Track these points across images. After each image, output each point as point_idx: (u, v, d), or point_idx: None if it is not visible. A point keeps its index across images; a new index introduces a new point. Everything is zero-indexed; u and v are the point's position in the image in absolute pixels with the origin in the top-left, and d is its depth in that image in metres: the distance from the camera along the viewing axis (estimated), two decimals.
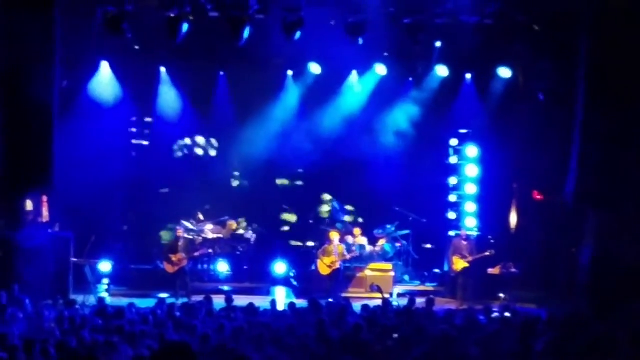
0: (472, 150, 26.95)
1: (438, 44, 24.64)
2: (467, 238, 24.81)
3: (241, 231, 26.60)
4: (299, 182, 28.04)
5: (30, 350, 12.47)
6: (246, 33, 21.45)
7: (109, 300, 21.15)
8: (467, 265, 24.06)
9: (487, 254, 24.05)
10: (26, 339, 13.03)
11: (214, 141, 27.65)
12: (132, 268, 25.24)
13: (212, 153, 27.68)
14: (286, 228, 27.80)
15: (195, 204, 26.88)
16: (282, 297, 23.85)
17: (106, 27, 21.90)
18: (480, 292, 23.44)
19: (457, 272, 24.24)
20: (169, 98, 27.05)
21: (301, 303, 18.91)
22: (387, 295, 20.53)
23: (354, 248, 25.09)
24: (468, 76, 26.92)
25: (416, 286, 25.87)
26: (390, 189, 26.62)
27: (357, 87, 27.29)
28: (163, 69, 26.74)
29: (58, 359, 12.58)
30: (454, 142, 27.14)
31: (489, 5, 21.29)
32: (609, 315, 16.33)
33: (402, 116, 27.24)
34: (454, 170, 27.28)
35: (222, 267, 26.05)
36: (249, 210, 27.23)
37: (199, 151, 27.53)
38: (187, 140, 27.46)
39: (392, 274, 25.07)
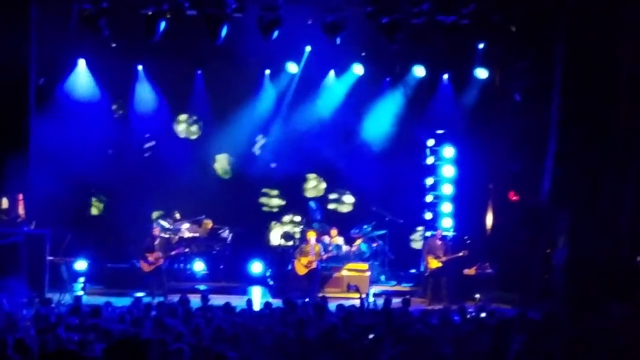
0: (448, 151, 27.03)
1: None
2: (443, 238, 24.88)
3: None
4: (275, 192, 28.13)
5: (4, 348, 12.41)
6: (224, 32, 21.43)
7: (85, 298, 21.05)
8: (440, 265, 24.13)
9: (460, 254, 24.13)
10: (1, 337, 12.96)
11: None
12: (108, 266, 25.13)
13: (193, 136, 27.69)
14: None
15: (171, 203, 26.86)
16: (258, 297, 23.85)
17: (83, 25, 21.83)
18: (455, 292, 23.50)
19: (430, 272, 24.30)
20: (145, 96, 26.99)
21: (277, 303, 18.91)
22: (364, 295, 20.54)
23: (330, 248, 25.11)
24: (445, 76, 27.00)
25: (392, 286, 25.90)
26: (367, 189, 26.68)
27: (335, 87, 27.34)
28: (140, 67, 26.68)
29: (33, 357, 12.54)
30: (430, 142, 27.20)
31: (465, 5, 21.33)
32: (583, 316, 16.42)
33: (379, 116, 27.30)
34: (431, 170, 27.34)
35: (199, 266, 26.00)
36: (226, 209, 27.19)
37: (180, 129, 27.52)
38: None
39: (369, 274, 25.08)
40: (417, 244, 27.44)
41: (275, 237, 27.65)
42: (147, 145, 27.26)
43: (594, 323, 15.18)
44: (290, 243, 26.23)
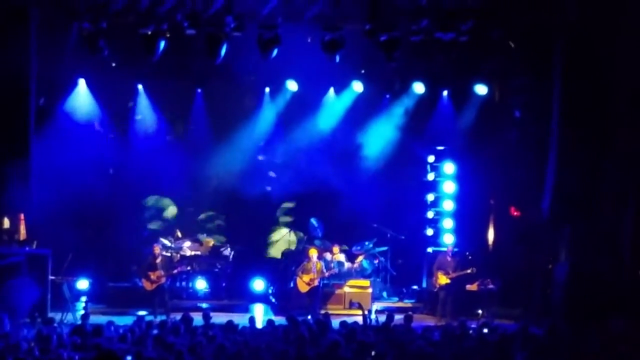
0: (449, 167, 27.07)
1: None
2: (453, 255, 24.82)
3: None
4: (290, 204, 28.08)
5: None
6: (223, 50, 21.48)
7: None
8: (448, 281, 24.11)
9: (468, 271, 24.07)
10: (2, 358, 12.98)
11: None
12: (110, 285, 25.15)
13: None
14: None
15: (174, 221, 26.90)
16: (260, 314, 23.84)
17: (82, 45, 21.87)
18: (458, 308, 23.47)
19: (439, 288, 24.25)
20: (146, 115, 27.04)
21: (280, 320, 18.89)
22: (366, 312, 20.51)
23: (332, 265, 25.08)
24: (444, 93, 27.04)
25: (394, 302, 25.89)
26: (368, 206, 26.65)
27: (335, 104, 27.39)
28: (140, 86, 26.72)
29: None
30: (431, 158, 27.24)
31: (464, 22, 21.38)
32: (585, 331, 16.42)
33: (379, 132, 27.33)
34: (432, 187, 27.37)
35: (201, 284, 25.99)
36: (227, 227, 27.22)
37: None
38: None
39: (370, 290, 25.07)
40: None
41: (276, 247, 27.61)
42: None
43: (595, 338, 15.18)
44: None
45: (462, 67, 24.65)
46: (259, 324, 19.19)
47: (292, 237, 27.76)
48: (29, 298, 21.48)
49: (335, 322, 18.00)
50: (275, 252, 27.60)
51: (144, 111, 27.01)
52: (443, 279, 24.16)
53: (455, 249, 25.41)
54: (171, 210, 27.68)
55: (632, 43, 20.85)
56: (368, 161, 27.43)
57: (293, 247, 27.32)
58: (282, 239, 28.03)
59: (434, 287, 24.50)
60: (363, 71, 26.26)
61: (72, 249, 23.20)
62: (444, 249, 25.46)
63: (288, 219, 28.28)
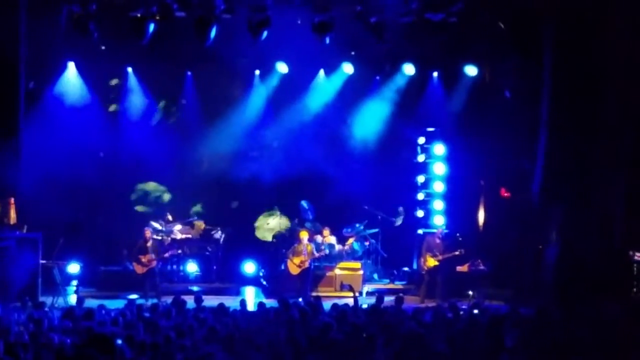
0: (439, 149, 27.10)
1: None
2: (442, 237, 24.86)
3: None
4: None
5: None
6: (213, 33, 21.43)
7: (73, 301, 20.98)
8: (437, 263, 24.16)
9: (457, 253, 24.14)
10: None
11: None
12: (101, 269, 25.14)
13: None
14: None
15: (164, 205, 26.89)
16: (251, 297, 23.87)
17: (72, 28, 21.80)
18: (448, 289, 23.54)
19: (427, 270, 24.32)
20: (135, 98, 26.99)
21: (271, 303, 18.93)
22: (357, 294, 20.55)
23: (323, 247, 25.10)
24: (434, 74, 27.04)
25: (385, 284, 25.95)
26: (359, 188, 26.66)
27: (325, 86, 27.36)
28: (130, 69, 26.67)
29: None
30: (421, 140, 27.26)
31: (453, 3, 21.36)
32: (575, 312, 16.47)
33: (370, 115, 27.32)
34: (422, 168, 27.40)
35: (192, 267, 26.01)
36: (218, 210, 27.21)
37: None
38: None
39: (361, 272, 25.12)
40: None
41: (264, 230, 27.60)
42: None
43: (586, 319, 15.23)
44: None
45: (452, 48, 24.64)
46: (250, 307, 19.22)
47: (285, 220, 27.68)
48: (19, 281, 21.50)
49: (327, 305, 18.02)
50: (268, 235, 27.51)
51: (134, 93, 26.94)
52: (431, 262, 24.23)
53: (445, 231, 25.46)
54: (165, 197, 27.61)
55: (621, 24, 20.86)
56: (358, 143, 27.41)
57: (284, 230, 27.28)
58: (275, 223, 27.91)
59: (422, 269, 24.56)
60: (353, 53, 26.23)
61: (62, 232, 23.21)
62: (434, 230, 25.53)
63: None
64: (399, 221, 26.78)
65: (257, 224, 27.65)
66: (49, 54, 23.91)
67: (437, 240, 24.60)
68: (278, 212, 27.70)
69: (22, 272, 21.81)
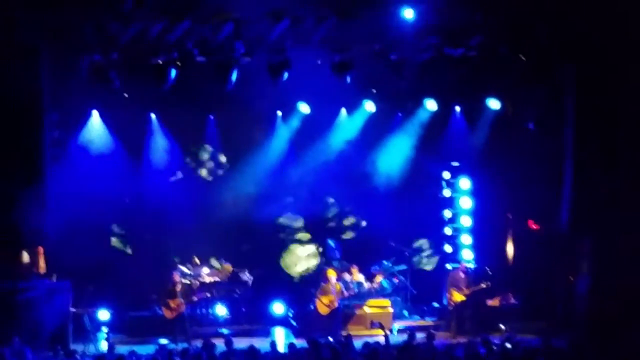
0: (464, 183, 27.08)
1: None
2: (466, 271, 24.80)
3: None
4: (299, 224, 27.91)
5: None
6: (234, 76, 21.54)
7: (104, 348, 20.99)
8: (464, 298, 24.06)
9: (483, 285, 24.06)
10: None
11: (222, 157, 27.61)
12: (130, 315, 25.16)
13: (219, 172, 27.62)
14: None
15: (190, 247, 26.90)
16: (281, 338, 23.80)
17: (93, 77, 21.96)
18: (479, 324, 23.41)
19: (455, 305, 24.22)
20: (159, 144, 27.10)
21: (301, 343, 18.87)
22: (388, 332, 20.47)
23: (351, 285, 25.06)
24: (457, 109, 27.04)
25: (416, 321, 25.80)
26: (385, 224, 26.62)
27: (347, 124, 27.40)
28: (153, 116, 26.81)
29: None
30: (446, 175, 27.24)
31: (472, 37, 21.40)
32: (607, 344, 16.34)
33: (394, 151, 27.32)
34: (448, 203, 27.38)
35: (221, 310, 25.97)
36: (244, 252, 27.19)
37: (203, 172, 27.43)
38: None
39: (391, 309, 25.04)
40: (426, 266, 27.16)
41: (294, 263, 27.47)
42: (173, 178, 27.14)
43: (618, 351, 15.11)
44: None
45: (474, 82, 24.62)
46: (281, 348, 19.17)
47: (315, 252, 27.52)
48: (50, 329, 21.59)
49: (358, 343, 17.97)
50: (294, 267, 27.36)
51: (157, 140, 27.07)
52: (458, 296, 24.16)
53: (472, 266, 25.36)
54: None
55: None
56: (383, 179, 27.39)
57: (314, 265, 27.08)
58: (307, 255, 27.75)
59: (450, 305, 24.47)
60: (374, 90, 26.27)
61: (91, 279, 23.27)
62: (457, 265, 25.48)
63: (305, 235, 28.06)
64: (428, 265, 26.77)
65: (283, 260, 27.56)
66: (72, 102, 24.04)
67: (462, 275, 24.54)
68: (307, 239, 27.52)
69: (52, 320, 21.90)
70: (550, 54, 22.02)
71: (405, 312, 26.36)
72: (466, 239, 27.06)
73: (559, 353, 15.50)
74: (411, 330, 20.78)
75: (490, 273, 24.83)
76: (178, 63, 21.45)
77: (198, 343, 19.78)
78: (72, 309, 22.53)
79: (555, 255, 23.83)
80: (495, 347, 17.24)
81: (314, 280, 25.78)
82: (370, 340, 18.75)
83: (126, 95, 24.46)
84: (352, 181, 27.03)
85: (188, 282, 25.23)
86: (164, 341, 22.07)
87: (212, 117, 27.26)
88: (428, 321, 25.76)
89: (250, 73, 22.10)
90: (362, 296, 25.38)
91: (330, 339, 20.58)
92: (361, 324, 24.84)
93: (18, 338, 19.21)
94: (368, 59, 21.83)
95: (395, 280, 26.33)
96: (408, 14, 21.11)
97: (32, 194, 21.43)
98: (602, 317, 20.47)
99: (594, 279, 21.42)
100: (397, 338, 21.48)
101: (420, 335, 19.38)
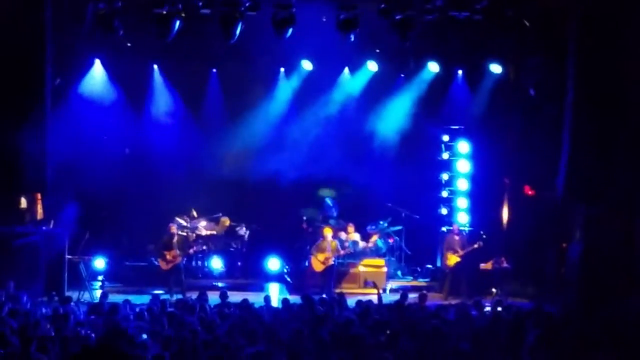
0: (463, 146, 27.11)
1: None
2: (459, 233, 24.96)
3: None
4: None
5: (27, 347, 12.55)
6: (238, 30, 21.49)
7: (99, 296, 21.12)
8: (459, 259, 24.21)
9: (475, 246, 24.23)
10: (23, 336, 13.11)
11: None
12: (126, 265, 25.29)
13: None
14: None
15: (188, 201, 26.94)
16: (275, 293, 23.96)
17: (97, 25, 21.89)
18: (472, 287, 23.55)
19: (450, 268, 24.37)
20: (161, 95, 27.10)
21: (295, 299, 19.01)
22: (381, 291, 20.61)
23: (347, 244, 25.19)
24: (459, 72, 27.03)
25: (409, 281, 25.99)
26: (383, 185, 26.70)
27: (350, 83, 27.38)
28: (156, 67, 26.80)
29: (55, 355, 12.68)
30: (445, 138, 27.28)
31: (478, 1, 21.34)
32: (599, 309, 16.47)
33: (394, 112, 27.32)
34: (446, 166, 27.43)
35: (216, 263, 26.11)
36: (242, 207, 27.25)
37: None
38: None
39: (385, 269, 25.21)
40: None
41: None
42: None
43: (609, 317, 15.22)
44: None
45: (477, 46, 24.60)
46: (275, 303, 19.31)
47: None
48: (44, 275, 21.71)
49: (351, 301, 18.10)
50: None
51: (159, 90, 27.08)
52: (453, 259, 24.32)
53: (470, 228, 25.46)
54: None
55: None
56: (382, 140, 27.41)
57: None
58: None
59: (445, 267, 24.63)
60: (378, 50, 26.24)
61: (88, 228, 23.36)
62: (450, 228, 25.61)
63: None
64: None
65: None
66: (75, 50, 24.01)
67: (456, 237, 24.69)
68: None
69: (48, 266, 22.01)
70: (554, 20, 21.98)
71: (399, 273, 26.54)
72: (462, 202, 27.15)
73: (549, 318, 15.59)
74: (404, 290, 20.95)
75: (484, 236, 24.92)
76: (182, 14, 21.35)
77: (193, 295, 19.90)
78: (68, 256, 22.63)
79: (549, 221, 23.89)
80: (486, 310, 17.38)
81: (310, 236, 25.86)
82: (363, 298, 18.86)
83: (129, 44, 24.42)
84: (352, 140, 27.04)
85: (185, 234, 25.35)
86: (158, 292, 22.20)
87: (214, 71, 27.25)
88: (421, 282, 25.95)
89: (254, 28, 22.04)
90: (357, 255, 25.53)
91: (324, 296, 20.73)
92: (355, 282, 25.02)
93: (13, 282, 19.35)
94: (373, 18, 21.74)
95: (390, 241, 26.47)
96: None
97: (32, 140, 21.46)
98: (593, 284, 20.60)
99: (587, 246, 21.51)
100: (389, 297, 21.63)
101: (412, 296, 19.53)
